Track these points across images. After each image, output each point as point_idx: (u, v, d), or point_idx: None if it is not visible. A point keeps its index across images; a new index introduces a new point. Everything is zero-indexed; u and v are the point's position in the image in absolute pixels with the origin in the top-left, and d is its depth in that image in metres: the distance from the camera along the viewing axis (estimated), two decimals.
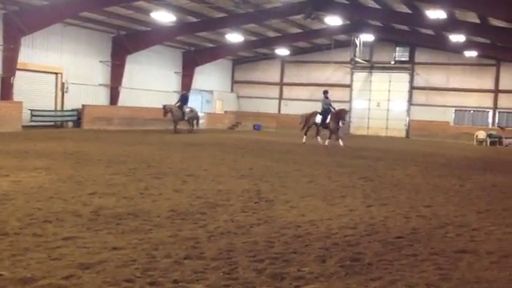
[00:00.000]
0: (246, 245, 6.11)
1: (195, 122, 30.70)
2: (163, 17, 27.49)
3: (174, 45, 36.73)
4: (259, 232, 6.81)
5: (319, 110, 25.03)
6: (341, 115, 23.45)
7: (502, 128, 36.13)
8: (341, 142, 22.95)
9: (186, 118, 29.29)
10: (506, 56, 33.98)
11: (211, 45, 37.84)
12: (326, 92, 24.88)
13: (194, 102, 40.19)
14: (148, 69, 35.35)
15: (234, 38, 33.99)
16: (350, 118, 40.63)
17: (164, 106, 28.46)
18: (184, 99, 29.60)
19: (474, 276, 5.34)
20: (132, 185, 10.12)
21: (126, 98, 33.24)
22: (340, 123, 23.42)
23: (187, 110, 29.38)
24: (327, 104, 24.29)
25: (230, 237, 6.48)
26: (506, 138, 34.73)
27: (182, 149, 19.13)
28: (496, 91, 37.10)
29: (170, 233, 6.51)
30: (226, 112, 42.96)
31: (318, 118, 24.05)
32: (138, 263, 5.21)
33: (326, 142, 22.78)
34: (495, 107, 37.20)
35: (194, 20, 30.81)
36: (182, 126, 29.79)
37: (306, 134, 24.83)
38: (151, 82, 35.54)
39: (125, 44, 31.53)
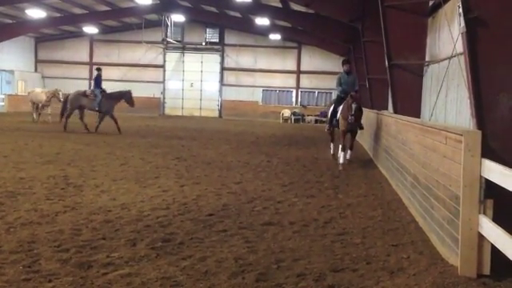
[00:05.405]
0: (50, 234, 5.73)
1: None
2: None
3: None
4: (65, 220, 6.43)
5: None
6: (349, 105, 12.66)
7: (304, 106, 39.19)
8: (348, 155, 13.09)
9: None
10: (306, 39, 36.61)
11: (9, 21, 34.55)
12: (346, 62, 13.98)
13: None
14: None
15: (36, 13, 31.49)
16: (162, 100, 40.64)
17: None
18: None
19: (278, 246, 5.68)
20: None
21: None
22: (349, 118, 12.50)
23: None
24: (347, 84, 13.52)
25: (33, 227, 6.03)
26: (307, 115, 37.74)
27: None
28: (298, 72, 39.95)
29: None
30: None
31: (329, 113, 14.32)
32: None
33: (341, 159, 12.71)
34: (298, 87, 40.07)
35: None
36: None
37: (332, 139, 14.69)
38: None
39: None
